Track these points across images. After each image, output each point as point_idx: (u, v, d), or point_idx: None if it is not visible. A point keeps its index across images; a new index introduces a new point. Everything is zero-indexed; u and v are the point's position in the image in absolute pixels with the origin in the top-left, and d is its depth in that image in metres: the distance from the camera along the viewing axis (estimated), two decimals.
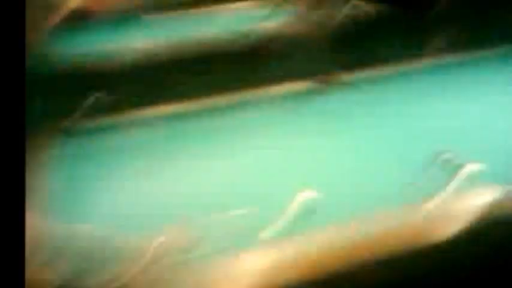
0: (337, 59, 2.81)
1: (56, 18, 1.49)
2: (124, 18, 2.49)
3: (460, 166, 1.49)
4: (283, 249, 1.27)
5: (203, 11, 3.32)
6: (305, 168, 1.67)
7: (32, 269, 0.72)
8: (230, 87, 2.33)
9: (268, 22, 2.95)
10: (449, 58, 2.55)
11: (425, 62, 2.50)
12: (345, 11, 3.43)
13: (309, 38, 3.30)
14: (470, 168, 1.48)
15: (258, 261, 1.22)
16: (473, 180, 1.45)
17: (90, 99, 1.93)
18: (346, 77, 2.36)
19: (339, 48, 3.22)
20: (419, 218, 1.35)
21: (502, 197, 1.37)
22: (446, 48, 2.67)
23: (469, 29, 3.43)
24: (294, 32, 3.21)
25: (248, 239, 1.30)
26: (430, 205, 1.37)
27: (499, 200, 1.37)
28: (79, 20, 2.07)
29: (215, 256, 1.22)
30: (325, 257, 1.24)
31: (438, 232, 1.32)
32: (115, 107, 1.98)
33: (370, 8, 3.39)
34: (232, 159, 1.79)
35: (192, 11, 3.26)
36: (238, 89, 2.30)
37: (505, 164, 1.54)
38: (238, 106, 2.15)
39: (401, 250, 1.29)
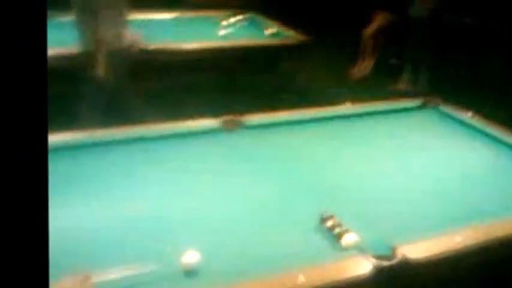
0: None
1: None
2: None
3: (340, 234, 1.60)
4: None
5: None
6: (193, 221, 1.70)
7: None
8: None
9: None
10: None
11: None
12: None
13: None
14: (349, 237, 1.59)
15: None
16: (349, 250, 1.56)
17: None
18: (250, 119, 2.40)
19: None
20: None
21: (372, 271, 1.48)
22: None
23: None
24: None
25: None
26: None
27: (370, 273, 1.48)
28: None
29: None
30: None
31: None
32: None
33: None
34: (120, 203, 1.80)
35: None
36: None
37: (378, 232, 1.64)
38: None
39: None
